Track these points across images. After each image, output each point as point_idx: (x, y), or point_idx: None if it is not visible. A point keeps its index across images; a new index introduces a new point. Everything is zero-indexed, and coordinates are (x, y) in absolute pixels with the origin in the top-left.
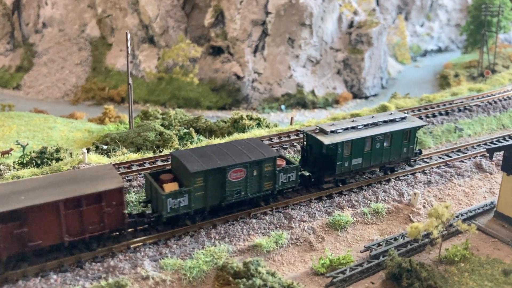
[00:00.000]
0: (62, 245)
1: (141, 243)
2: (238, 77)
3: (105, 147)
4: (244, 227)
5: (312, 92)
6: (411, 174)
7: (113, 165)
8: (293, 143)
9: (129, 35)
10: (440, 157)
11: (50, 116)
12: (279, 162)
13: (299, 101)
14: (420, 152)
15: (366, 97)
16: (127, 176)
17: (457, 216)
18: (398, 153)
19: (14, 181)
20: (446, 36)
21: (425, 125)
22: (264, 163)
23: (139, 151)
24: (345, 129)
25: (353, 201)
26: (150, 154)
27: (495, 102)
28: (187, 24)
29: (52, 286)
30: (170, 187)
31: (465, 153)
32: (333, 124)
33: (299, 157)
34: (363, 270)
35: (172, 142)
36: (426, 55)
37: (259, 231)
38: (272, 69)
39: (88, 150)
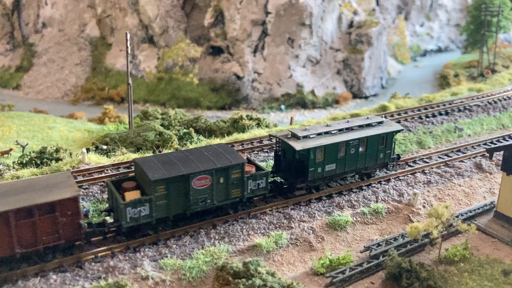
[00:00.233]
0: (14, 257)
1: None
2: (238, 77)
3: (104, 147)
4: (244, 227)
5: (312, 92)
6: (410, 174)
7: (72, 172)
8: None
9: (128, 35)
10: (440, 157)
11: (50, 116)
12: (248, 168)
13: (299, 101)
14: (399, 157)
15: (366, 97)
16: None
17: (457, 216)
18: (374, 158)
19: None
20: (446, 36)
21: (402, 130)
22: (231, 170)
23: (139, 151)
24: (319, 134)
25: (353, 201)
26: (149, 154)
27: (495, 102)
28: (187, 24)
29: (51, 286)
30: (132, 195)
31: (465, 153)
32: (306, 128)
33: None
34: (363, 270)
35: (172, 142)
36: (426, 55)
37: (258, 231)
38: (272, 69)
39: (88, 150)
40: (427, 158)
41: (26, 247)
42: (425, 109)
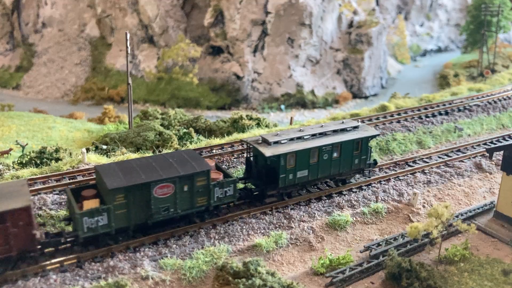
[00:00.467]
0: None
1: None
2: (238, 77)
3: (104, 147)
4: (244, 227)
5: (312, 92)
6: (410, 174)
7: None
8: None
9: (128, 35)
10: (439, 157)
11: (50, 116)
12: (215, 175)
13: (298, 101)
14: (375, 163)
15: (366, 97)
16: None
17: (456, 216)
18: (349, 164)
19: None
20: (446, 36)
21: (378, 135)
22: (196, 177)
23: (139, 151)
24: (290, 139)
25: (353, 201)
26: (149, 154)
27: (495, 102)
28: (186, 24)
29: (51, 286)
30: (90, 204)
31: (465, 153)
32: (277, 134)
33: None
34: (363, 270)
35: (172, 142)
36: (425, 55)
37: (258, 231)
38: (272, 69)
39: (88, 150)
40: (427, 158)
41: None
42: (425, 109)
